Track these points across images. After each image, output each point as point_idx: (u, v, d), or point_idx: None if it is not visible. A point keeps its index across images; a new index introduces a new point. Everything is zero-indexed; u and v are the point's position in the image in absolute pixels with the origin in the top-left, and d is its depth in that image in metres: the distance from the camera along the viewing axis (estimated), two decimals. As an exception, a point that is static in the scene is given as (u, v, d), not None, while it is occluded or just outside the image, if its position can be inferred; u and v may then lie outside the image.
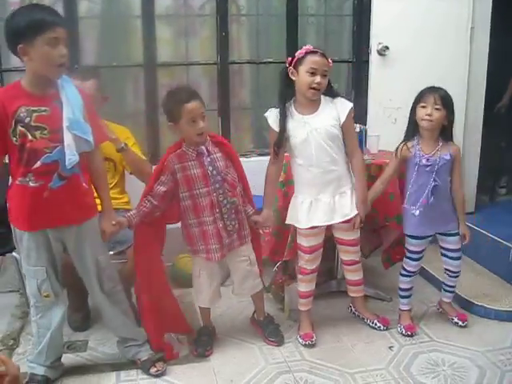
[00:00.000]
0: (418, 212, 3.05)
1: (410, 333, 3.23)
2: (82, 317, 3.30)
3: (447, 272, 3.29)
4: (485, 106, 4.36)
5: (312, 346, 3.13)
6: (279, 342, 3.16)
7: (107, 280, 2.81)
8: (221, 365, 2.98)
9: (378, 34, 4.07)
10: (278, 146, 2.99)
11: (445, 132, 3.06)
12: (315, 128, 2.92)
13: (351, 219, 3.06)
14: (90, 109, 2.61)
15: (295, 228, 3.15)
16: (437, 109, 2.97)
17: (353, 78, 4.35)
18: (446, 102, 3.00)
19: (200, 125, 2.77)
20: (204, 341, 3.09)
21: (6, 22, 2.43)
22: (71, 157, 2.45)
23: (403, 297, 3.31)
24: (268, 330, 3.20)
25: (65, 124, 2.45)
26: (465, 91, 4.23)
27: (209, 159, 2.86)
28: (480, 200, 4.54)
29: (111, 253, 3.05)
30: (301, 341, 3.16)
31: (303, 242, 3.13)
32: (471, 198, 4.42)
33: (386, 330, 3.29)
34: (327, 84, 2.92)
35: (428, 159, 3.02)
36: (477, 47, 4.23)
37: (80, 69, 3.61)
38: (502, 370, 2.90)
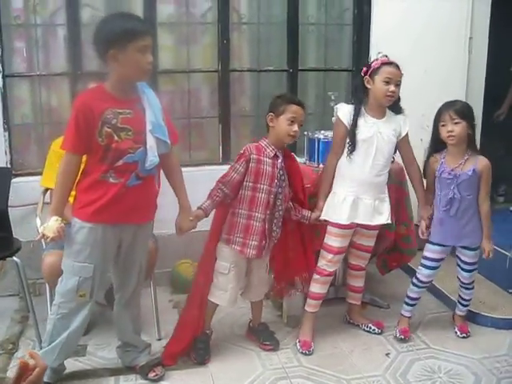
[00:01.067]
0: (439, 223, 3.15)
1: (403, 337, 3.27)
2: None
3: (459, 282, 3.34)
4: (483, 114, 4.38)
5: (309, 355, 3.15)
6: (274, 345, 3.19)
7: (140, 283, 2.89)
8: (219, 370, 3.00)
9: (378, 44, 4.10)
10: (349, 140, 3.08)
11: (471, 144, 3.10)
12: (380, 131, 3.06)
13: (378, 226, 3.18)
14: (164, 112, 2.71)
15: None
16: (456, 123, 3.02)
17: (352, 84, 4.38)
18: (463, 113, 3.05)
19: (295, 128, 2.90)
20: (201, 349, 3.10)
21: (97, 29, 2.53)
22: (153, 158, 2.56)
23: (408, 304, 3.34)
24: (263, 335, 3.23)
25: (148, 127, 2.56)
26: (463, 99, 4.26)
27: (282, 164, 2.96)
28: (478, 208, 4.55)
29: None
30: (298, 347, 3.19)
31: (334, 242, 3.15)
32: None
33: (381, 333, 3.33)
34: (398, 96, 3.09)
35: (449, 173, 3.08)
36: (475, 56, 4.28)
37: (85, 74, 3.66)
38: (497, 377, 2.93)
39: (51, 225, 2.52)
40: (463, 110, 3.06)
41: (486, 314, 3.45)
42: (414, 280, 3.30)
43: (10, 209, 3.33)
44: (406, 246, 3.51)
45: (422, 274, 3.26)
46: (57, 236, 2.51)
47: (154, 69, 3.95)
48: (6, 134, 3.76)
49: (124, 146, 2.52)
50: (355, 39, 4.35)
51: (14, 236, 3.32)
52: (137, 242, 2.76)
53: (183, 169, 3.17)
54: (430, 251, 3.22)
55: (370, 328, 3.36)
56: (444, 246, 3.20)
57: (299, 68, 4.26)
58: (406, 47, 4.09)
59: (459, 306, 3.40)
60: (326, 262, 3.19)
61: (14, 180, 3.53)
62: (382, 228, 3.38)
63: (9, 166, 3.74)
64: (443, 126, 3.06)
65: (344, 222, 3.10)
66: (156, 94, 2.70)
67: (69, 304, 2.70)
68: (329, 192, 3.17)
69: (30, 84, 3.89)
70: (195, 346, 3.11)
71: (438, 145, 3.17)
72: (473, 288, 3.33)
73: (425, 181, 3.26)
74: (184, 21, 4.07)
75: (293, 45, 4.23)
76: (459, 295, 3.38)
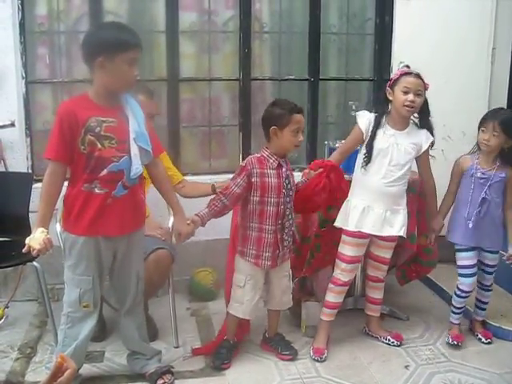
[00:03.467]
0: (471, 224, 3.16)
1: (456, 342, 3.27)
2: (99, 328, 3.29)
3: (479, 285, 3.34)
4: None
5: (321, 362, 3.14)
6: (293, 355, 3.16)
7: (140, 292, 2.86)
8: (236, 379, 2.98)
9: (399, 54, 4.09)
10: (364, 149, 3.10)
11: (503, 155, 3.16)
12: (397, 143, 3.06)
13: (395, 238, 3.15)
14: (147, 123, 2.70)
15: (315, 243, 3.17)
16: (494, 135, 3.07)
17: (374, 96, 4.36)
18: (506, 127, 3.07)
19: (300, 137, 2.90)
20: (223, 354, 3.10)
21: (89, 34, 2.59)
22: (137, 166, 2.56)
23: (456, 313, 3.34)
24: (280, 345, 3.20)
25: (132, 136, 2.56)
26: (486, 110, 4.22)
27: (287, 172, 2.95)
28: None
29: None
30: (311, 353, 3.18)
31: (346, 250, 3.15)
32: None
33: (400, 346, 3.29)
34: (426, 109, 3.09)
35: (484, 173, 3.14)
36: (498, 67, 4.23)
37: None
38: (519, 392, 2.88)
39: (37, 237, 2.49)
40: (507, 124, 3.08)
41: (507, 328, 3.40)
42: (458, 292, 3.30)
43: (30, 214, 3.34)
44: (427, 257, 3.48)
45: (466, 284, 3.26)
46: (43, 248, 2.48)
47: (174, 76, 4.00)
48: (28, 139, 3.80)
49: (107, 155, 2.52)
50: (377, 49, 4.34)
51: (35, 241, 3.33)
52: (131, 251, 2.76)
53: (203, 177, 3.20)
54: (466, 258, 3.25)
55: (389, 340, 3.31)
56: (476, 249, 3.23)
57: (320, 77, 4.26)
58: (427, 57, 4.07)
59: (478, 310, 3.40)
60: (340, 271, 3.17)
61: (34, 185, 3.54)
62: (403, 239, 3.36)
63: (30, 171, 3.77)
64: (483, 131, 3.11)
65: (351, 228, 3.09)
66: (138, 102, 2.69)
67: (76, 313, 2.72)
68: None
69: (52, 90, 3.92)
70: (216, 351, 3.11)
71: (478, 146, 3.21)
72: (492, 290, 3.36)
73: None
74: (206, 29, 4.09)
75: (314, 54, 4.22)
76: (478, 299, 3.38)
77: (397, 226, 3.11)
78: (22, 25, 3.68)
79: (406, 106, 3.01)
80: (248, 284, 3.01)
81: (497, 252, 3.27)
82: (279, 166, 2.93)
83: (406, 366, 3.11)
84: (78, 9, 3.85)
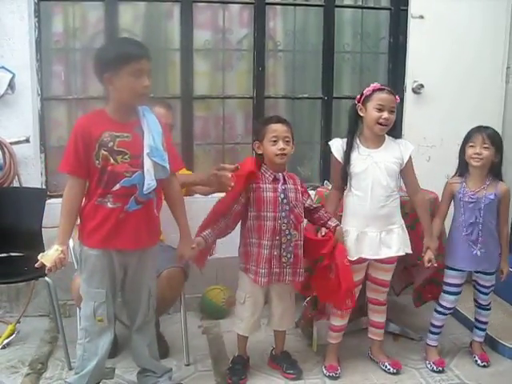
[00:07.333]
0: (478, 252, 3.09)
1: (441, 368, 3.20)
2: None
3: (476, 304, 3.30)
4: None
5: (335, 378, 3.11)
6: (297, 374, 3.13)
7: (151, 309, 2.85)
8: (247, 398, 2.96)
9: (413, 73, 4.09)
10: (341, 176, 3.06)
11: (493, 170, 3.10)
12: (376, 161, 2.99)
13: (393, 260, 3.09)
14: (167, 137, 2.70)
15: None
16: (485, 147, 3.02)
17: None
18: (494, 140, 3.05)
19: (280, 145, 2.87)
20: (238, 369, 3.09)
21: (96, 53, 2.60)
22: (150, 182, 2.55)
23: (434, 333, 3.29)
24: (285, 364, 3.17)
25: (146, 151, 2.55)
26: (499, 129, 4.20)
27: (283, 187, 2.92)
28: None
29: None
30: (325, 371, 3.15)
31: None
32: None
33: (396, 373, 3.18)
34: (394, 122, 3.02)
35: (471, 196, 3.07)
36: (513, 87, 4.23)
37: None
38: (534, 416, 2.84)
39: (50, 254, 2.50)
40: (496, 136, 3.08)
41: (522, 350, 3.35)
42: (439, 308, 3.25)
43: (43, 229, 3.36)
44: (443, 277, 3.39)
45: (447, 300, 3.22)
46: (54, 267, 2.50)
47: (188, 94, 4.02)
48: (43, 155, 3.84)
49: (119, 170, 2.53)
50: (390, 67, 4.35)
51: (47, 256, 3.33)
52: (142, 267, 2.74)
53: (216, 194, 3.18)
54: (453, 277, 3.19)
55: (386, 366, 3.22)
56: (464, 270, 3.18)
57: (334, 96, 4.26)
58: (441, 76, 4.09)
59: (477, 331, 3.34)
60: None
61: (48, 201, 3.56)
62: (415, 259, 3.32)
63: (44, 187, 3.79)
64: (472, 146, 3.05)
65: (351, 257, 3.03)
66: (156, 117, 2.67)
67: (93, 327, 2.71)
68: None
69: (67, 107, 3.96)
70: (232, 367, 3.11)
71: (463, 168, 3.15)
72: (490, 309, 3.31)
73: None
74: (220, 47, 4.12)
75: (328, 72, 4.24)
76: (476, 319, 3.33)
77: (394, 247, 3.03)
78: (38, 42, 3.73)
79: (380, 123, 2.95)
80: (248, 301, 3.01)
81: (493, 273, 3.20)
82: (275, 180, 2.92)
83: (419, 388, 3.08)
84: (93, 26, 3.90)
